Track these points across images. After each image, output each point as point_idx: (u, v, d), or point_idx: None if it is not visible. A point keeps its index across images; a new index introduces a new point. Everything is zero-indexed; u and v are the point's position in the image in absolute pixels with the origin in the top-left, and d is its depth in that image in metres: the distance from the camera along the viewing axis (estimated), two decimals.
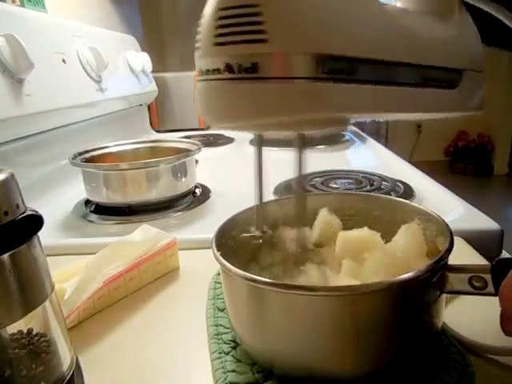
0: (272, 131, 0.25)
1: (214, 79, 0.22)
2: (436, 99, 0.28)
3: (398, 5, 0.30)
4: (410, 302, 0.26)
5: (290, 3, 0.20)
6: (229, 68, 0.21)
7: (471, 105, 0.30)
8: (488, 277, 0.25)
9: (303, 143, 0.26)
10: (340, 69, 0.21)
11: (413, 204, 0.36)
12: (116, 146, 0.75)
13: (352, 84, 0.22)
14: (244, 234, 0.33)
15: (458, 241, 0.29)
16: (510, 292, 0.24)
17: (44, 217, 0.23)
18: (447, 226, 0.30)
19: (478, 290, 0.26)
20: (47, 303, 0.25)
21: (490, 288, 0.25)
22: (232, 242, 0.34)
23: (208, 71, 0.22)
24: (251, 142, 1.16)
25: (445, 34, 0.28)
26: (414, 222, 0.34)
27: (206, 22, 0.22)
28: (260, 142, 0.29)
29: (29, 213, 0.22)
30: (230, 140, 1.22)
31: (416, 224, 0.33)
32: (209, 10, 0.22)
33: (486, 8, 0.29)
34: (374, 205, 0.38)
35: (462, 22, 0.30)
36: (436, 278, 0.26)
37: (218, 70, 0.21)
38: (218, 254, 0.29)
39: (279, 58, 0.20)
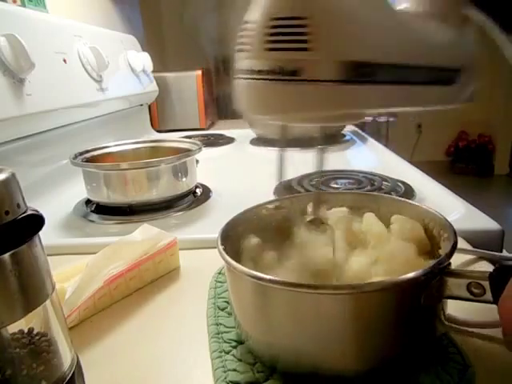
0: (297, 123, 0.31)
1: (259, 78, 0.25)
2: (438, 94, 0.32)
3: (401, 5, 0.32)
4: (409, 302, 0.26)
5: (332, 19, 0.24)
6: (274, 70, 0.25)
7: (465, 97, 0.34)
8: (486, 283, 0.25)
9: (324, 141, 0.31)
10: (365, 73, 0.25)
11: (421, 205, 0.36)
12: (116, 145, 0.75)
13: (373, 85, 0.26)
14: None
15: (458, 241, 0.29)
16: (508, 307, 0.23)
17: (45, 216, 0.23)
18: (453, 230, 0.30)
19: (477, 296, 0.26)
20: (48, 303, 0.25)
21: (489, 295, 0.25)
22: (238, 239, 0.34)
23: (254, 71, 0.26)
24: (251, 142, 1.16)
25: (447, 36, 0.32)
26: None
27: (257, 26, 0.25)
28: (285, 135, 0.34)
29: (30, 212, 0.22)
30: (230, 140, 1.22)
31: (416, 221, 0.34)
32: (260, 15, 0.25)
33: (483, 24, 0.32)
34: (378, 204, 0.38)
35: (462, 21, 0.33)
36: (435, 281, 0.26)
37: (265, 72, 0.25)
38: (222, 249, 0.29)
39: (322, 65, 0.24)
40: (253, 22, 0.25)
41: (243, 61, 0.27)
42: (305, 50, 0.24)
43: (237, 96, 0.28)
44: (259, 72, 0.25)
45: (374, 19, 0.26)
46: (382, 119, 3.71)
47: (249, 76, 0.26)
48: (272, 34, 0.24)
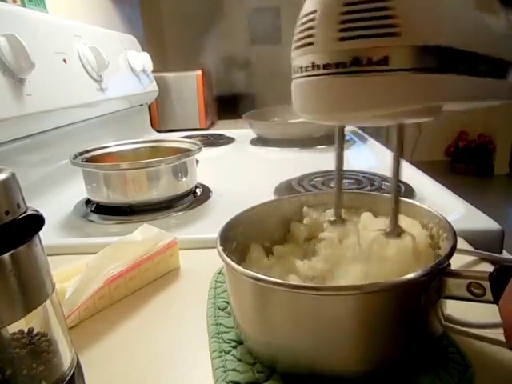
0: (373, 123, 0.29)
1: (337, 73, 0.22)
2: (496, 88, 0.29)
3: None
4: (409, 303, 0.26)
5: None
6: (356, 61, 0.21)
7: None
8: (487, 284, 0.25)
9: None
10: (452, 61, 0.23)
11: (420, 205, 0.36)
12: (116, 145, 0.75)
13: (456, 75, 0.24)
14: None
15: (458, 241, 0.29)
16: (509, 308, 0.23)
17: (45, 216, 0.23)
18: (453, 230, 0.30)
19: (477, 296, 0.26)
20: (48, 303, 0.25)
21: (489, 295, 0.25)
22: (238, 239, 0.34)
23: (328, 66, 0.22)
24: (251, 142, 1.16)
25: (503, 26, 0.28)
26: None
27: (325, 15, 0.22)
28: (342, 134, 0.31)
29: (30, 212, 0.22)
30: (230, 140, 1.22)
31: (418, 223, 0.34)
32: (324, 4, 0.22)
33: None
34: (377, 204, 0.38)
35: (507, 15, 0.30)
36: (434, 282, 0.26)
37: (343, 64, 0.22)
38: (221, 250, 0.29)
39: (410, 51, 0.21)
40: (316, 10, 0.22)
41: (306, 56, 0.23)
42: (393, 35, 0.21)
43: (297, 98, 0.25)
44: (329, 66, 0.22)
45: (455, 1, 0.24)
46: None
47: (314, 72, 0.23)
48: (345, 21, 0.21)
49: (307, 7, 0.23)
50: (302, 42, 0.23)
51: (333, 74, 0.22)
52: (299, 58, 0.24)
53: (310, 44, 0.23)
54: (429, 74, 0.22)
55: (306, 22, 0.23)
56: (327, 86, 0.23)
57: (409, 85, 0.22)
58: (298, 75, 0.24)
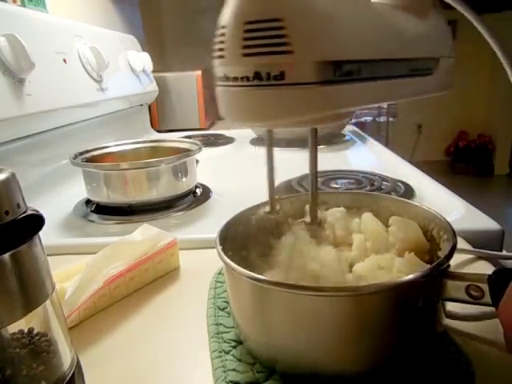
0: (288, 128, 0.30)
1: (242, 85, 0.25)
2: (419, 85, 0.33)
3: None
4: (408, 304, 0.26)
5: (308, 18, 0.23)
6: (258, 76, 0.24)
7: (444, 86, 0.35)
8: (485, 286, 0.25)
9: (316, 141, 0.31)
10: (348, 71, 0.25)
11: (421, 206, 0.36)
12: (116, 145, 0.75)
13: (357, 83, 0.26)
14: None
15: (458, 241, 0.29)
16: (508, 313, 0.23)
17: (45, 216, 0.23)
18: (453, 231, 0.30)
19: (475, 299, 0.26)
20: (48, 303, 0.25)
21: (487, 298, 0.25)
22: (237, 240, 0.34)
23: (236, 78, 0.25)
24: (251, 142, 1.16)
25: (424, 28, 0.32)
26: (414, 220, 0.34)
27: (231, 32, 0.24)
28: (271, 139, 0.33)
29: (30, 212, 0.22)
30: (230, 140, 1.22)
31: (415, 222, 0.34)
32: (232, 20, 0.24)
33: (457, 7, 0.33)
34: (378, 204, 0.38)
35: (436, 15, 0.34)
36: (433, 283, 0.26)
37: (246, 78, 0.24)
38: (220, 250, 0.30)
39: (304, 67, 0.24)
40: (225, 26, 0.24)
41: (220, 67, 0.26)
42: (284, 53, 0.23)
43: (218, 103, 0.28)
44: (236, 79, 0.25)
45: (351, 15, 0.26)
46: (382, 119, 3.71)
47: (227, 83, 0.26)
48: (246, 39, 0.23)
49: (221, 20, 0.25)
50: (217, 53, 0.25)
51: (240, 87, 0.25)
52: (216, 68, 0.26)
53: (222, 57, 0.25)
54: (327, 85, 0.24)
55: (219, 35, 0.25)
56: (237, 96, 0.26)
57: (305, 97, 0.24)
58: (218, 83, 0.27)
